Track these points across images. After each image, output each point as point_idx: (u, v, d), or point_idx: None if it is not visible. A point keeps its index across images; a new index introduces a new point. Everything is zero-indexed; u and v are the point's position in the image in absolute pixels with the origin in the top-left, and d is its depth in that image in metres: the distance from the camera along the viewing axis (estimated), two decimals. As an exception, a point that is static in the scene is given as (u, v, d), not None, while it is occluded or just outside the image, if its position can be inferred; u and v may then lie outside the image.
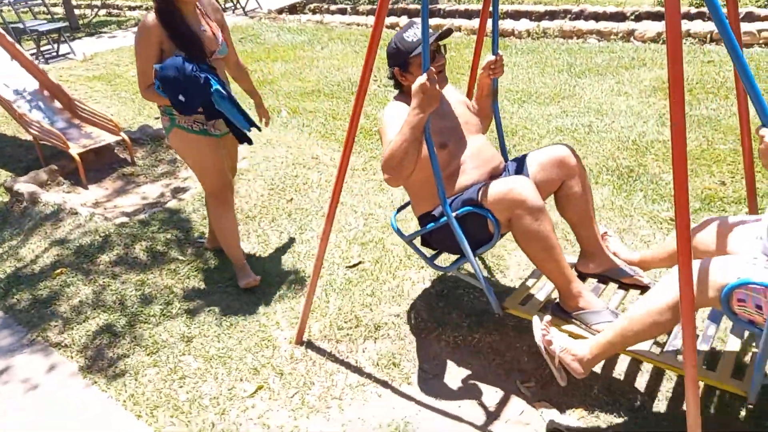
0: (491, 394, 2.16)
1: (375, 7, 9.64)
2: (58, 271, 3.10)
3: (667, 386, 2.11)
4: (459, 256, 2.21)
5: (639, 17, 7.62)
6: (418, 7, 9.38)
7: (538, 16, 8.32)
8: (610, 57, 6.27)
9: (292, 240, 3.29)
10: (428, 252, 2.46)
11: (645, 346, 1.91)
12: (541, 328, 1.88)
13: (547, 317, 1.96)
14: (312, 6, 10.42)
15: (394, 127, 2.04)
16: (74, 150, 4.11)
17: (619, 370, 2.20)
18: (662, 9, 7.66)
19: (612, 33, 7.17)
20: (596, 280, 2.30)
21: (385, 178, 2.05)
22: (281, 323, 2.61)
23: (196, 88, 2.38)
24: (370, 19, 9.26)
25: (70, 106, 4.73)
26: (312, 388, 2.25)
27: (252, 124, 2.67)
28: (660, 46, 6.56)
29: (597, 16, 7.92)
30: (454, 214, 2.02)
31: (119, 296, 2.88)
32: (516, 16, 8.49)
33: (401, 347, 2.42)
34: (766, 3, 7.30)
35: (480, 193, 2.06)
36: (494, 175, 2.24)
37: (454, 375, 2.28)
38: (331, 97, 5.76)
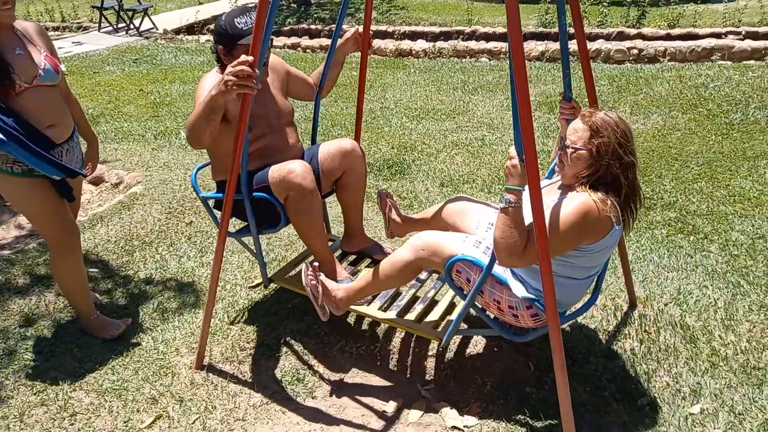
0: (395, 400, 2.23)
1: (276, 27, 9.65)
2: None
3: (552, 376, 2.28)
4: (245, 225, 2.54)
5: (525, 37, 8.19)
6: (319, 27, 9.50)
7: (434, 37, 8.71)
8: (500, 75, 6.68)
9: (192, 264, 3.21)
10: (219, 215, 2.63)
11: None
12: (308, 273, 2.23)
13: (316, 263, 2.30)
14: (211, 26, 10.26)
15: (203, 95, 2.16)
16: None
17: (509, 365, 2.35)
18: (545, 29, 8.28)
19: (502, 52, 7.65)
20: (355, 256, 2.79)
21: (188, 140, 2.20)
22: (181, 349, 2.54)
23: None
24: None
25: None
26: (214, 412, 2.21)
27: (66, 170, 2.23)
28: (543, 63, 7.09)
29: (487, 37, 8.43)
30: (252, 195, 2.30)
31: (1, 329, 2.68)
32: (413, 36, 8.84)
33: (305, 362, 2.44)
34: (635, 23, 8.09)
35: (269, 173, 2.33)
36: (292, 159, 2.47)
37: (359, 385, 2.33)
38: (232, 117, 5.70)
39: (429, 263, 2.08)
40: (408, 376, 2.35)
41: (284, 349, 2.52)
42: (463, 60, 7.64)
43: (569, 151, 1.85)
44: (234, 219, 2.59)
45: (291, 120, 2.57)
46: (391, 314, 2.32)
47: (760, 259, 2.97)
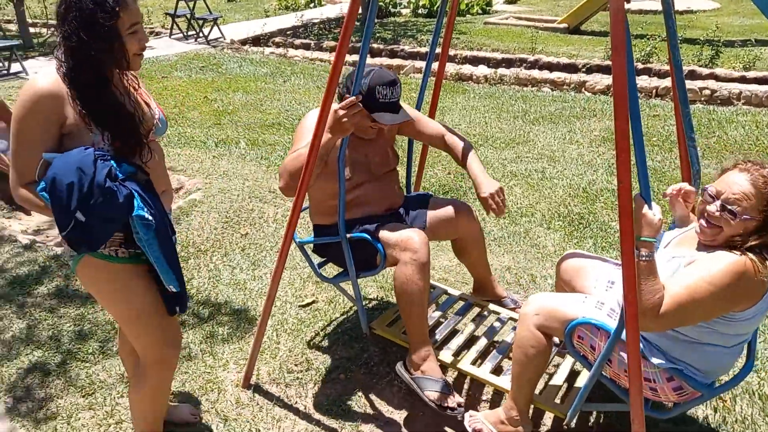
0: (442, 443, 2.13)
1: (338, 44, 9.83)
2: (-10, 303, 2.92)
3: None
4: (343, 270, 2.41)
5: (590, 69, 8.01)
6: (381, 46, 9.58)
7: (496, 63, 8.62)
8: (562, 106, 6.53)
9: (244, 276, 3.21)
10: (316, 259, 2.62)
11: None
12: (468, 423, 2.07)
13: (469, 413, 2.11)
14: (276, 39, 10.49)
15: (307, 137, 2.06)
16: (17, 174, 3.92)
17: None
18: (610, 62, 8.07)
19: (565, 83, 7.50)
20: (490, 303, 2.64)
21: (281, 185, 2.14)
22: (228, 365, 2.51)
23: (110, 207, 1.48)
24: (334, 56, 9.38)
25: (16, 127, 4.53)
26: (258, 435, 2.16)
27: (179, 281, 1.69)
28: (609, 98, 6.89)
29: (551, 66, 8.28)
30: (348, 236, 2.17)
31: (55, 332, 2.72)
32: (474, 61, 8.78)
33: (352, 392, 2.37)
34: (707, 63, 7.80)
35: (379, 228, 2.23)
36: (390, 209, 2.40)
37: (405, 422, 2.23)
38: (291, 130, 5.75)
39: (546, 329, 1.89)
40: (459, 419, 2.25)
41: (332, 375, 2.45)
42: (525, 88, 7.52)
43: (730, 216, 1.59)
44: (327, 263, 2.62)
45: (394, 168, 2.46)
46: (505, 380, 2.13)
47: None
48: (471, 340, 2.43)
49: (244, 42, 10.30)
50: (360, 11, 11.66)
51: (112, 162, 1.52)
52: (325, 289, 3.07)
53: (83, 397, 2.33)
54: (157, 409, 1.94)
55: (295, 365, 2.50)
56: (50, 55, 9.01)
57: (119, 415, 2.24)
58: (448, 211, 2.43)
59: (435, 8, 12.49)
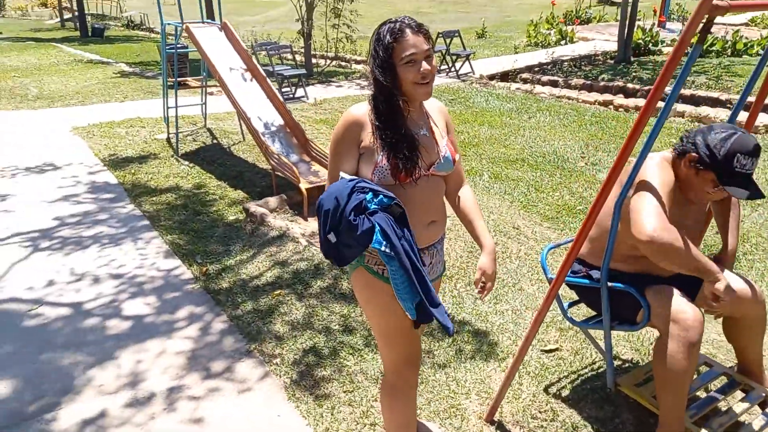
0: None
1: (588, 82, 9.45)
2: (278, 292, 3.46)
3: None
4: (594, 317, 2.37)
5: None
6: (637, 86, 9.00)
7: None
8: None
9: (486, 309, 3.27)
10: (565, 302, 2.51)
11: None
12: None
13: None
14: (524, 75, 10.58)
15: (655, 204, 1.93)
16: (303, 184, 4.62)
17: None
18: None
19: None
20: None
21: (656, 245, 1.89)
22: (471, 394, 2.58)
23: (351, 236, 1.66)
24: (583, 94, 9.10)
25: (305, 144, 5.35)
26: (498, 473, 2.17)
27: (429, 302, 1.72)
28: None
29: None
30: (610, 285, 2.09)
31: (326, 324, 3.11)
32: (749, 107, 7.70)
33: (599, 456, 2.24)
34: None
35: (649, 296, 2.09)
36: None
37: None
38: (535, 167, 5.73)
39: None
40: None
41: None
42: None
43: None
44: (577, 304, 2.59)
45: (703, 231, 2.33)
46: None
47: None
48: (736, 426, 2.12)
49: (492, 77, 10.61)
50: (616, 49, 11.14)
51: (368, 195, 1.68)
52: (570, 338, 2.96)
53: (344, 393, 2.61)
54: (401, 420, 2.01)
55: (540, 412, 2.45)
56: (325, 83, 10.44)
57: (373, 417, 2.46)
58: (735, 284, 2.16)
59: (704, 47, 11.30)
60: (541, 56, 11.62)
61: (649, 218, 1.90)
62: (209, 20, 6.84)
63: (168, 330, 3.13)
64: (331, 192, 1.69)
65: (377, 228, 1.64)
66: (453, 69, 10.75)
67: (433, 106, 1.93)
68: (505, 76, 10.72)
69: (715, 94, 8.24)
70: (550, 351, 2.88)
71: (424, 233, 1.85)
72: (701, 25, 1.65)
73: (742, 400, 2.27)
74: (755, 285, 2.21)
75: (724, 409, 2.24)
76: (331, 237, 1.68)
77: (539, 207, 4.76)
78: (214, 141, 6.72)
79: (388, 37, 1.70)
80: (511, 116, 7.87)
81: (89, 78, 11.13)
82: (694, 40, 1.69)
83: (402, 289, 1.70)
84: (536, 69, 10.92)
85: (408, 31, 1.70)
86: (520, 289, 3.48)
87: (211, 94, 8.47)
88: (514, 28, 17.43)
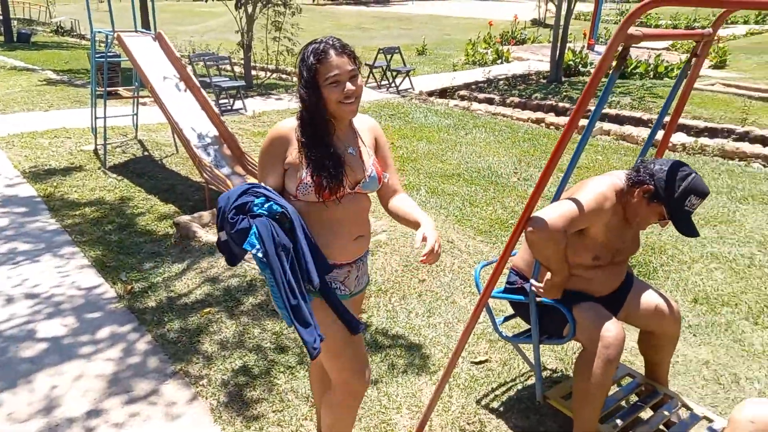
0: None
1: (522, 100, 9.78)
2: (207, 310, 3.36)
3: None
4: (524, 331, 2.49)
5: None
6: (567, 105, 9.40)
7: (697, 132, 7.96)
8: (779, 186, 5.79)
9: (419, 322, 3.29)
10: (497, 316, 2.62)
11: None
12: None
13: None
14: (461, 93, 10.85)
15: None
16: (236, 199, 4.52)
17: None
18: None
19: (782, 160, 6.65)
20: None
21: (537, 237, 1.99)
22: (402, 409, 2.58)
23: (231, 234, 1.66)
24: (517, 112, 9.41)
25: (240, 157, 5.26)
26: (426, 488, 2.17)
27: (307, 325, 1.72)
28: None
29: (765, 141, 7.42)
30: (538, 300, 2.20)
31: (257, 342, 3.04)
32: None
33: (524, 465, 2.28)
34: None
35: (575, 311, 2.18)
36: (611, 293, 2.31)
37: None
38: (470, 182, 5.86)
39: None
40: None
41: (503, 442, 2.39)
42: (730, 162, 6.81)
43: None
44: (511, 319, 2.69)
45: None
46: None
47: None
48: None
49: (431, 93, 10.82)
50: (549, 69, 11.62)
51: (259, 199, 1.69)
52: (498, 350, 3.03)
53: (273, 412, 2.56)
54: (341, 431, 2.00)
55: (468, 424, 2.48)
56: (264, 95, 10.32)
57: (302, 435, 2.41)
58: (655, 301, 2.28)
59: (629, 70, 11.97)
60: (478, 74, 11.97)
61: (552, 212, 2.00)
62: (143, 29, 6.64)
63: (87, 352, 2.97)
64: (228, 192, 1.73)
65: (253, 230, 1.63)
66: (393, 85, 10.89)
67: (363, 124, 1.95)
68: (443, 93, 10.96)
69: (638, 114, 8.73)
70: (480, 363, 2.93)
71: (350, 247, 1.87)
72: (618, 51, 1.74)
73: (662, 408, 2.36)
74: (673, 303, 2.31)
75: (645, 418, 2.33)
76: (222, 235, 1.70)
77: (473, 221, 4.86)
78: (146, 153, 6.50)
79: (311, 58, 1.73)
80: (449, 132, 8.03)
81: (12, 85, 10.53)
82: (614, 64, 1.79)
83: (275, 295, 1.69)
84: (473, 87, 11.24)
85: (332, 52, 1.72)
86: (452, 303, 3.53)
87: (144, 104, 8.19)
88: (453, 46, 17.87)
